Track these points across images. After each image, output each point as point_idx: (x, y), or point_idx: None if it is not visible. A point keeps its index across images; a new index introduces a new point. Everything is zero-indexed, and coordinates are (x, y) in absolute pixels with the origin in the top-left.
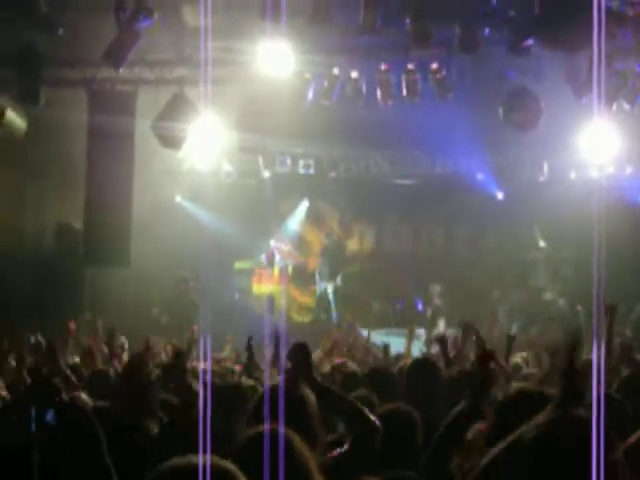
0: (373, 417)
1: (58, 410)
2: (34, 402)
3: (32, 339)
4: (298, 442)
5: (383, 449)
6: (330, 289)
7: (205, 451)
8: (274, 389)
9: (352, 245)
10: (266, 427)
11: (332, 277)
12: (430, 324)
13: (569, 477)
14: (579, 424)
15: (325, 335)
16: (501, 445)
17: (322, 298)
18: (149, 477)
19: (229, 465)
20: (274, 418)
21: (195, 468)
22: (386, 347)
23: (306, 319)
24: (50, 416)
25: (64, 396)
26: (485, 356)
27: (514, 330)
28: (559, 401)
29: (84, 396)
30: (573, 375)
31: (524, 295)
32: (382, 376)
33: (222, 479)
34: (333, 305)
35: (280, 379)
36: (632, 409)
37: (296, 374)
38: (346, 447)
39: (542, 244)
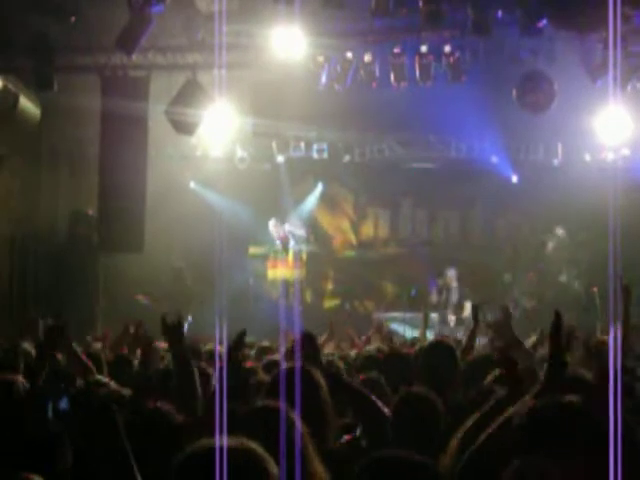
0: (382, 406)
1: (73, 397)
2: (49, 390)
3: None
4: (297, 421)
5: (401, 433)
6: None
7: (222, 433)
8: (289, 373)
9: (366, 230)
10: (265, 403)
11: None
12: (444, 308)
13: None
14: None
15: (333, 321)
16: (492, 426)
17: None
18: (174, 463)
19: (256, 446)
20: (288, 401)
21: (220, 452)
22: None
23: (320, 304)
24: (64, 403)
25: (79, 382)
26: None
27: (518, 313)
28: (545, 384)
29: (108, 380)
30: (560, 357)
31: (539, 278)
32: (397, 360)
33: (248, 461)
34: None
35: (296, 363)
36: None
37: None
38: (357, 434)
39: (560, 231)
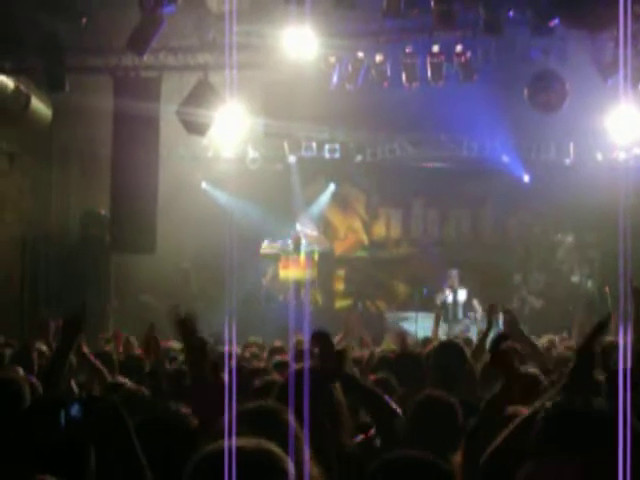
0: (394, 405)
1: (84, 401)
2: (61, 396)
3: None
4: (288, 418)
5: (420, 435)
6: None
7: (230, 434)
8: (299, 373)
9: (378, 230)
10: (256, 403)
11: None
12: (452, 308)
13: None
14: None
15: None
16: (511, 425)
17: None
18: (188, 465)
19: (274, 446)
20: (299, 401)
21: (234, 452)
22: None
23: (332, 304)
24: (75, 410)
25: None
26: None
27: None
28: (567, 383)
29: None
30: (588, 358)
31: (551, 278)
32: (409, 360)
33: (265, 461)
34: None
35: (305, 364)
36: None
37: (325, 360)
38: (371, 433)
39: (569, 238)
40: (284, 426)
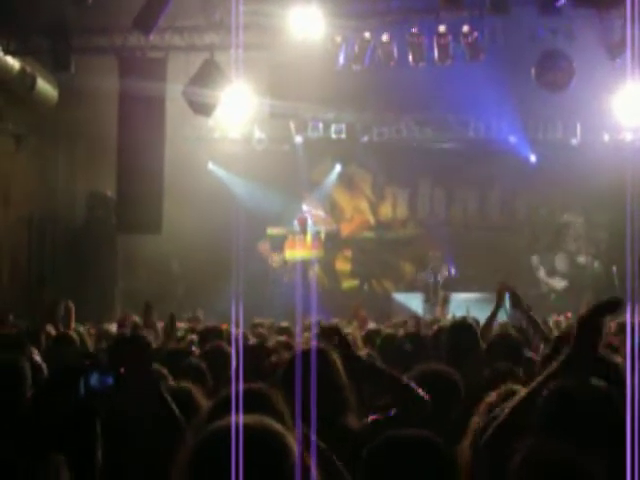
0: (421, 392)
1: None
2: (78, 368)
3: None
4: (277, 400)
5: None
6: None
7: (238, 411)
8: (305, 353)
9: (385, 210)
10: (245, 386)
11: None
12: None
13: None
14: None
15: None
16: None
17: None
18: (193, 441)
19: (274, 422)
20: (304, 382)
21: (238, 429)
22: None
23: (339, 284)
24: (94, 380)
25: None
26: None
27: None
28: (563, 365)
29: None
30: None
31: (558, 258)
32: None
33: (267, 437)
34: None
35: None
36: None
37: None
38: (390, 414)
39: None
40: (273, 408)
